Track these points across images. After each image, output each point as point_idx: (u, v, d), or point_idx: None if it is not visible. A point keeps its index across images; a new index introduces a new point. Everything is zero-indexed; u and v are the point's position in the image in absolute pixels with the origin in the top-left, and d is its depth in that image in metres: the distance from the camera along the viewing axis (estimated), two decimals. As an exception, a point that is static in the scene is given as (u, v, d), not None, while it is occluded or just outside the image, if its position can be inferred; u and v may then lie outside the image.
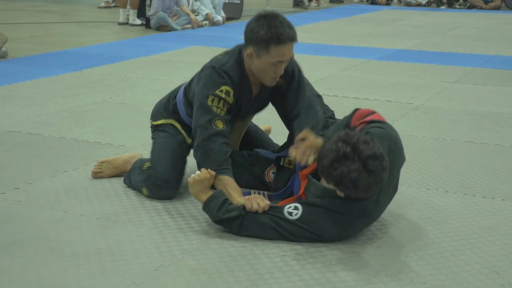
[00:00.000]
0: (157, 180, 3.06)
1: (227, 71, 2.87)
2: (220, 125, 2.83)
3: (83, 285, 2.31)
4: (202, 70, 3.00)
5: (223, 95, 2.84)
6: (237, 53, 2.94)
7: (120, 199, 3.09)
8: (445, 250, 2.63)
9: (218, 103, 2.84)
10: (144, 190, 3.10)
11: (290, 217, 2.64)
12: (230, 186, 2.78)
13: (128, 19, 10.23)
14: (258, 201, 2.67)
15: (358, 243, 2.68)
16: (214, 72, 2.88)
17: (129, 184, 3.24)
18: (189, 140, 3.15)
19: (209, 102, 2.83)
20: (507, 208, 3.08)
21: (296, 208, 2.65)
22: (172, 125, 3.17)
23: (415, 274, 2.43)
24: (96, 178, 3.34)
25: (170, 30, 9.58)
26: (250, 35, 2.83)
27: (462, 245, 2.67)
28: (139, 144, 3.94)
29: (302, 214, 2.63)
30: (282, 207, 2.68)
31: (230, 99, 2.86)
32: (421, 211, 3.02)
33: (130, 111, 4.75)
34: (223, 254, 2.56)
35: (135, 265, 2.46)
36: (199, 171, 2.78)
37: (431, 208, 3.06)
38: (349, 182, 2.48)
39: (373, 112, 2.89)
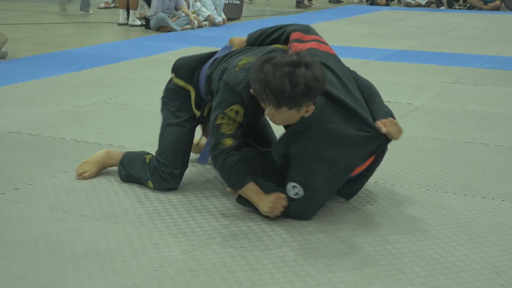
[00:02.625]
0: (163, 174, 3.14)
1: (240, 92, 2.80)
2: (227, 142, 2.83)
3: (83, 286, 2.31)
4: (222, 72, 2.91)
5: (233, 114, 2.80)
6: None
7: (120, 200, 3.09)
8: (445, 251, 2.63)
9: (228, 121, 2.81)
10: (150, 184, 3.18)
11: (296, 197, 2.79)
12: (249, 192, 2.86)
13: (127, 20, 10.24)
14: (277, 206, 2.81)
15: (357, 243, 2.68)
16: (227, 89, 2.83)
17: (126, 177, 3.29)
18: (197, 113, 3.17)
19: (219, 121, 2.82)
20: (507, 209, 3.08)
21: (294, 187, 2.78)
22: (188, 92, 3.16)
23: (414, 275, 2.43)
24: (84, 179, 3.33)
25: (170, 31, 9.59)
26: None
27: (462, 246, 2.67)
28: (138, 145, 3.94)
29: (301, 185, 2.76)
30: (289, 198, 2.82)
31: (239, 118, 2.82)
32: (420, 212, 3.02)
33: (130, 112, 4.75)
34: (223, 254, 2.56)
35: (135, 266, 2.46)
36: None
37: (431, 208, 3.06)
38: (263, 85, 2.57)
39: (308, 41, 2.98)
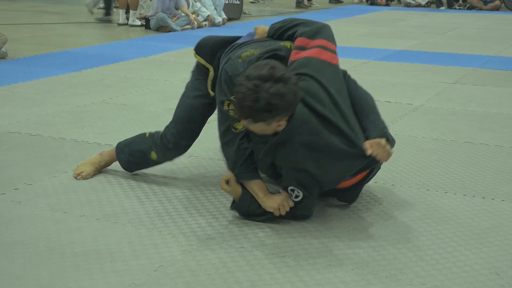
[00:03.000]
0: (168, 142, 3.17)
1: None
2: (239, 126, 2.82)
3: (83, 286, 2.31)
4: (227, 60, 2.93)
5: None
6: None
7: (120, 200, 3.09)
8: (445, 251, 2.63)
9: (234, 107, 2.79)
10: (153, 154, 3.22)
11: (298, 200, 2.79)
12: (255, 187, 2.84)
13: (127, 20, 10.24)
14: (284, 205, 2.80)
15: (357, 243, 2.68)
16: (227, 78, 2.85)
17: (127, 163, 3.34)
18: (212, 93, 3.14)
19: (225, 107, 2.83)
20: (506, 209, 3.08)
21: (292, 190, 2.78)
22: (207, 70, 3.16)
23: (414, 275, 2.43)
24: (83, 178, 3.34)
25: (170, 31, 9.59)
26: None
27: (462, 246, 2.67)
28: (138, 145, 3.93)
29: (297, 187, 2.76)
30: (292, 201, 2.82)
31: None
32: (420, 212, 3.02)
33: (130, 112, 4.75)
34: (223, 255, 2.56)
35: (135, 266, 2.46)
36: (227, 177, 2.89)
37: (431, 208, 3.06)
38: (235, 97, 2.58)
39: (314, 47, 2.89)
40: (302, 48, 2.90)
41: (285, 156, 2.71)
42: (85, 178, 3.34)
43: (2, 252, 2.56)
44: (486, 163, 3.73)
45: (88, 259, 2.50)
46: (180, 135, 3.16)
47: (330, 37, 2.98)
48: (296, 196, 2.79)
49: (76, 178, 3.35)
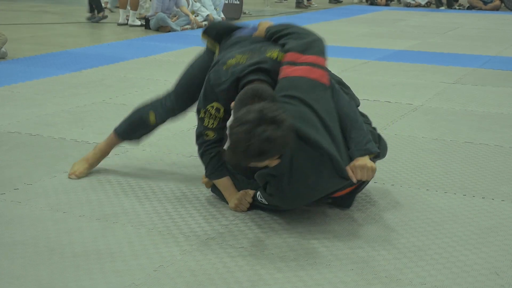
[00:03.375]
0: (166, 106, 3.29)
1: (218, 93, 2.88)
2: (210, 134, 2.96)
3: (83, 286, 2.31)
4: (216, 62, 2.99)
5: (213, 111, 2.91)
6: (234, 80, 2.86)
7: (120, 200, 3.10)
8: (445, 251, 2.63)
9: (210, 117, 2.93)
10: (151, 114, 3.33)
11: (263, 201, 2.91)
12: (221, 186, 3.03)
13: (127, 20, 10.24)
14: (243, 203, 2.95)
15: (357, 243, 2.68)
16: (208, 85, 2.93)
17: (125, 133, 3.43)
18: None
19: (202, 115, 2.95)
20: (506, 209, 3.08)
21: (261, 197, 2.91)
22: (213, 53, 3.21)
23: (414, 275, 2.43)
24: (76, 176, 3.35)
25: (169, 31, 9.59)
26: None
27: (462, 246, 2.68)
28: (138, 145, 3.93)
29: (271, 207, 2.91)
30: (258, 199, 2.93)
31: (220, 115, 2.92)
32: (420, 212, 3.02)
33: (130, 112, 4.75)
34: (223, 254, 2.56)
35: (135, 266, 2.46)
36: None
37: (431, 208, 3.06)
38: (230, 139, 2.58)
39: (303, 63, 2.85)
40: (292, 63, 2.86)
41: (275, 189, 2.76)
42: (78, 176, 3.35)
43: (2, 252, 2.56)
44: (486, 163, 3.73)
45: (88, 259, 2.51)
46: (177, 102, 3.27)
47: (322, 52, 2.93)
48: (262, 200, 2.90)
49: (69, 177, 3.35)
